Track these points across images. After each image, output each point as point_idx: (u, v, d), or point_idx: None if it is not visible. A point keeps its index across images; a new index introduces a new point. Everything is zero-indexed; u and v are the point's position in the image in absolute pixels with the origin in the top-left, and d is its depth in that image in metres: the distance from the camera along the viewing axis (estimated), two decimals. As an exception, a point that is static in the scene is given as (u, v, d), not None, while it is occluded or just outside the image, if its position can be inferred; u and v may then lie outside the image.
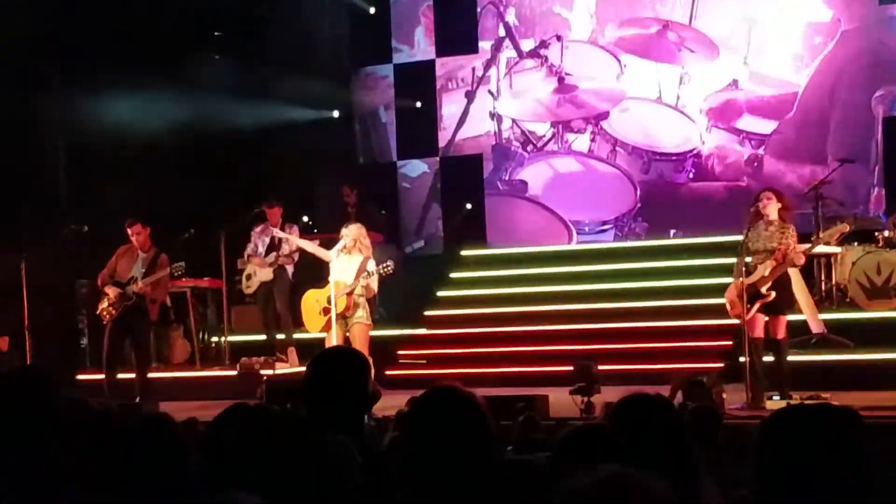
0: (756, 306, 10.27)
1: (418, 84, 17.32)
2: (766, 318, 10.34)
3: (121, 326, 12.25)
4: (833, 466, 2.67)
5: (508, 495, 3.32)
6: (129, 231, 12.33)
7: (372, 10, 17.50)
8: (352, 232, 11.75)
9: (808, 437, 2.71)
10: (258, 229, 14.11)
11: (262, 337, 14.12)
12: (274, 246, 13.85)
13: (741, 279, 10.23)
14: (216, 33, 16.66)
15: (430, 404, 3.48)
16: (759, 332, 10.37)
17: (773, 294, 10.29)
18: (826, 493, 2.65)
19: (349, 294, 11.52)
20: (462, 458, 3.30)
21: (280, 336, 13.93)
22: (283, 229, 13.73)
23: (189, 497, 3.17)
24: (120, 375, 12.19)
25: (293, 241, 13.38)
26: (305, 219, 16.06)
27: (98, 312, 12.38)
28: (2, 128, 13.88)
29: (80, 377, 13.62)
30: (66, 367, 13.45)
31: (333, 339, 11.12)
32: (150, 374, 12.55)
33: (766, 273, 10.29)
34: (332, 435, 3.63)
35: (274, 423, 3.36)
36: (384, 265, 11.72)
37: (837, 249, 12.51)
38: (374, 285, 11.61)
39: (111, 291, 12.20)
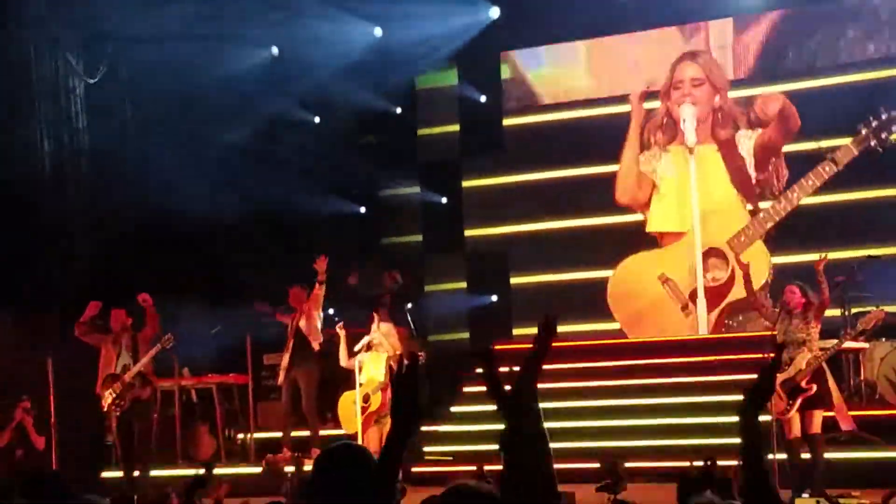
0: (798, 402, 10.24)
1: (446, 180, 17.54)
2: (801, 413, 10.32)
3: (128, 419, 12.30)
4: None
5: None
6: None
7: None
8: (385, 329, 11.98)
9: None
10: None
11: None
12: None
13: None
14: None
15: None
16: (798, 431, 10.34)
17: (815, 387, 10.27)
18: None
19: (384, 390, 11.61)
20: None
21: (301, 433, 13.81)
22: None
23: None
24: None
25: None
26: (331, 311, 15.84)
27: (105, 410, 12.39)
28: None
29: (105, 475, 13.59)
30: (92, 465, 13.42)
31: (364, 438, 11.19)
32: (177, 471, 12.55)
33: (803, 366, 10.27)
34: None
35: None
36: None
37: (865, 345, 12.43)
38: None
39: (111, 387, 12.25)
